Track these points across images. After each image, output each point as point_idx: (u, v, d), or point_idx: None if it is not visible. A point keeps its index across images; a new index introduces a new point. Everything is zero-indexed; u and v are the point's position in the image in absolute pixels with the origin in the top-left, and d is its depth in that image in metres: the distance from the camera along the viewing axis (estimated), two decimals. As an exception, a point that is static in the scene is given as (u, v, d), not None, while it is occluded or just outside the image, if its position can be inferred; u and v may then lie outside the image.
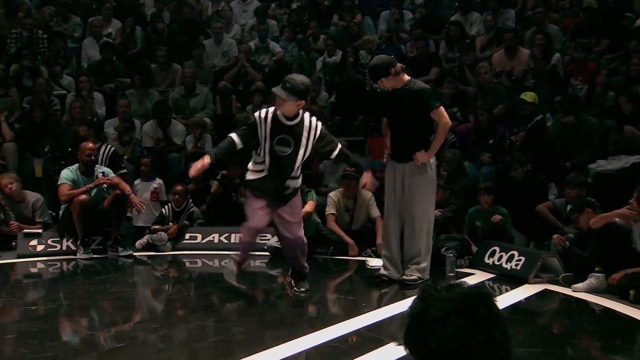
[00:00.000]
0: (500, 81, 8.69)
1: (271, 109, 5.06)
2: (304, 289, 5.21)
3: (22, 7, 10.72)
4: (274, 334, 4.22)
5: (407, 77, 5.51)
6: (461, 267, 6.14)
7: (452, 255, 5.97)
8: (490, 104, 8.19)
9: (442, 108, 5.51)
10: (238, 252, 5.24)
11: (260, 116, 5.01)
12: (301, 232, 5.22)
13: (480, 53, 9.49)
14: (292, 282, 5.27)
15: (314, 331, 4.18)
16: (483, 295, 1.50)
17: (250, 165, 5.22)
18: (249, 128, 5.07)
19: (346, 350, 3.93)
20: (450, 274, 5.79)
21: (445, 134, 5.65)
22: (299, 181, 5.28)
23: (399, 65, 5.45)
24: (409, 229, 5.51)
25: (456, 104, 8.56)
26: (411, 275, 5.48)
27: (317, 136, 5.09)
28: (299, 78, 5.08)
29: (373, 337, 4.12)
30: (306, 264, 5.31)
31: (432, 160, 5.53)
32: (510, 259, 5.90)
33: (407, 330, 1.49)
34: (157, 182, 8.00)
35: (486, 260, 6.16)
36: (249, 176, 5.20)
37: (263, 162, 5.02)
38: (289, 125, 4.98)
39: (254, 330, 4.32)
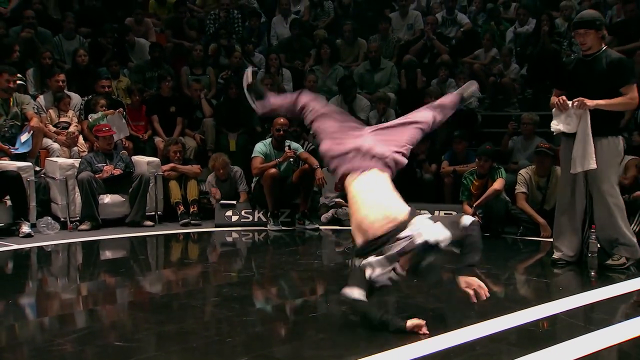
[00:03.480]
0: None
1: None
2: None
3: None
4: (462, 314, 4.15)
5: (604, 45, 5.26)
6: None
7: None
8: None
9: (635, 86, 5.12)
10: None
11: None
12: None
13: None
14: None
15: (505, 313, 4.05)
16: None
17: None
18: None
19: (545, 335, 3.76)
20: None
21: (625, 108, 5.24)
22: None
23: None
24: (601, 208, 5.19)
25: (667, 75, 7.83)
26: (619, 259, 5.19)
27: None
28: None
29: (573, 323, 3.92)
30: None
31: (621, 138, 5.22)
32: None
33: None
34: None
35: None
36: None
37: None
38: None
39: (439, 309, 4.28)
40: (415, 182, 8.04)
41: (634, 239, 5.28)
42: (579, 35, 5.24)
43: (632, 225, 6.11)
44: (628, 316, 4.08)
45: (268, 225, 7.35)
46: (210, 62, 9.92)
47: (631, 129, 7.53)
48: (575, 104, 5.07)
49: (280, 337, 3.79)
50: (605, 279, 5.04)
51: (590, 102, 5.04)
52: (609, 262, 5.24)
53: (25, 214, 6.88)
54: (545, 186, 6.92)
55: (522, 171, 7.08)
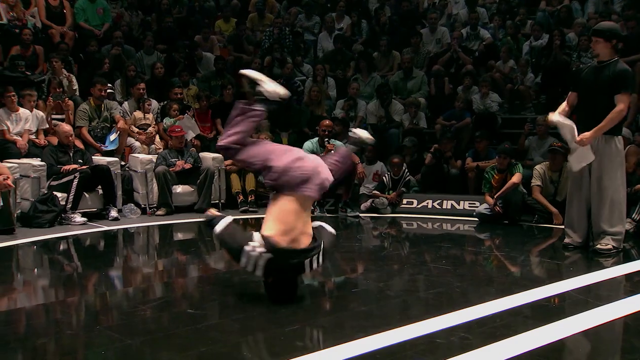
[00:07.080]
0: None
1: None
2: None
3: (274, 10, 11.46)
4: (483, 291, 4.10)
5: (615, 56, 5.07)
6: (671, 240, 5.48)
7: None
8: None
9: (628, 95, 4.98)
10: None
11: None
12: None
13: (699, 29, 8.27)
14: None
15: (522, 290, 3.99)
16: None
17: None
18: None
19: (556, 309, 3.70)
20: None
21: (617, 121, 5.00)
22: None
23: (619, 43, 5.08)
24: (599, 201, 5.05)
25: (668, 82, 7.58)
26: (607, 245, 5.05)
27: None
28: None
29: (581, 299, 3.83)
30: None
31: (621, 137, 5.08)
32: None
33: None
34: (379, 165, 8.09)
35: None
36: None
37: None
38: None
39: (463, 286, 4.22)
40: (443, 176, 7.98)
41: (622, 230, 5.13)
42: (592, 42, 5.15)
43: (634, 214, 5.95)
44: (629, 293, 3.98)
45: (315, 212, 7.36)
46: (265, 72, 9.94)
47: (633, 130, 7.31)
48: (577, 142, 4.99)
49: (325, 309, 3.80)
50: (608, 262, 4.92)
51: (589, 139, 4.95)
52: (598, 246, 5.10)
53: (113, 201, 7.03)
54: (558, 180, 6.77)
55: (537, 167, 6.94)
